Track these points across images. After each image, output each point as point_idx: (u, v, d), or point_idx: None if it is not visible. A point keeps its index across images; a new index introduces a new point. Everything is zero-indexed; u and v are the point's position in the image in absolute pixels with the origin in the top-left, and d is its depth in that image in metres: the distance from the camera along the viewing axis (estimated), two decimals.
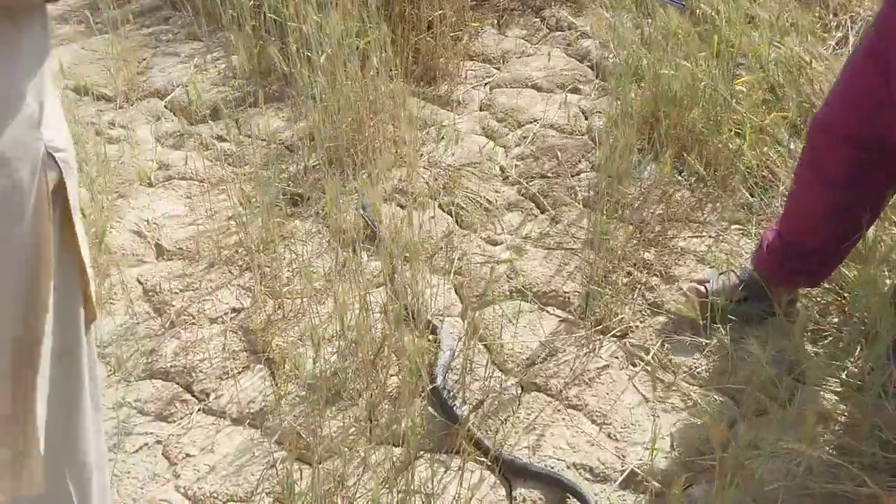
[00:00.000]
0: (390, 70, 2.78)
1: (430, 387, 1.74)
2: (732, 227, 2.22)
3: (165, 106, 2.86)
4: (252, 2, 2.84)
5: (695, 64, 2.41)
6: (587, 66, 3.01)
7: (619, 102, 2.49)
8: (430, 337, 1.91)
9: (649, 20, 2.78)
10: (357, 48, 2.53)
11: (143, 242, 2.25)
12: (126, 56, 3.17)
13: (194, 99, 2.70)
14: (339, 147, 2.48)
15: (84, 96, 2.91)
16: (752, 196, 2.27)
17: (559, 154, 2.55)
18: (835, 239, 1.76)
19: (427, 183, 2.45)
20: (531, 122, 2.74)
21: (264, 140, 2.66)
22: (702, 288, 1.91)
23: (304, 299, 2.02)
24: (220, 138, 2.68)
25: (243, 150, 2.62)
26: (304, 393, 1.78)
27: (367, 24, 2.68)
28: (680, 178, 2.40)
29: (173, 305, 2.03)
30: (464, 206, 2.36)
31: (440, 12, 2.97)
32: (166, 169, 2.51)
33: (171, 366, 1.86)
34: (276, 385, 1.81)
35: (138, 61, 3.16)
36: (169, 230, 2.28)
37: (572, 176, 2.46)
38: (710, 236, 2.19)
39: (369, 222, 2.20)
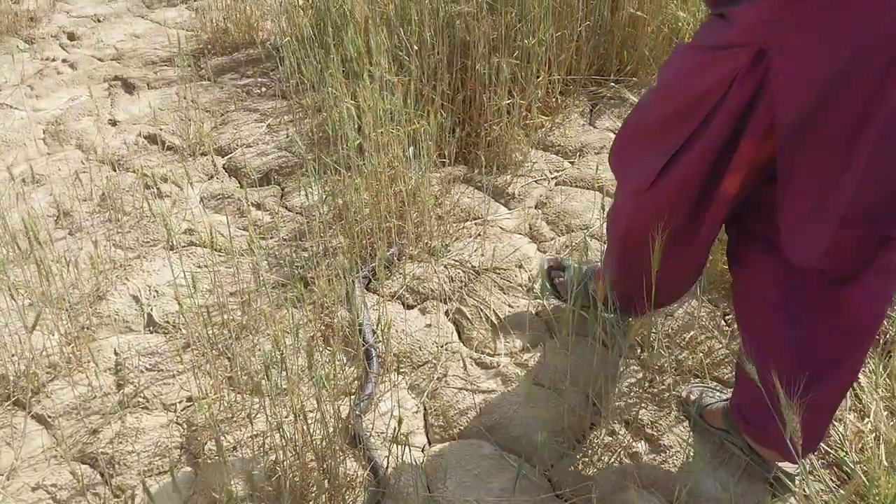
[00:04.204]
0: (442, 157, 2.66)
1: None
2: None
3: (223, 166, 2.87)
4: (343, 69, 2.80)
5: None
6: None
7: None
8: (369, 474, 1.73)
9: None
10: (408, 133, 2.42)
11: (138, 310, 2.22)
12: (211, 107, 3.23)
13: (247, 163, 2.69)
14: (363, 231, 2.37)
15: (153, 145, 2.98)
16: None
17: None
18: None
19: (442, 284, 2.28)
20: (582, 229, 2.50)
21: (300, 212, 2.60)
22: None
23: (261, 399, 1.90)
24: (259, 206, 2.65)
25: (276, 221, 2.56)
26: None
27: (426, 108, 2.58)
28: (724, 321, 2.08)
29: (134, 384, 1.97)
30: (470, 317, 2.17)
31: (509, 101, 2.80)
32: (191, 234, 2.50)
33: (102, 452, 1.80)
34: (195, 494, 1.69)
35: (221, 113, 3.21)
36: (165, 300, 2.25)
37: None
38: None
39: (364, 341, 2.04)
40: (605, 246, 1.92)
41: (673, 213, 1.53)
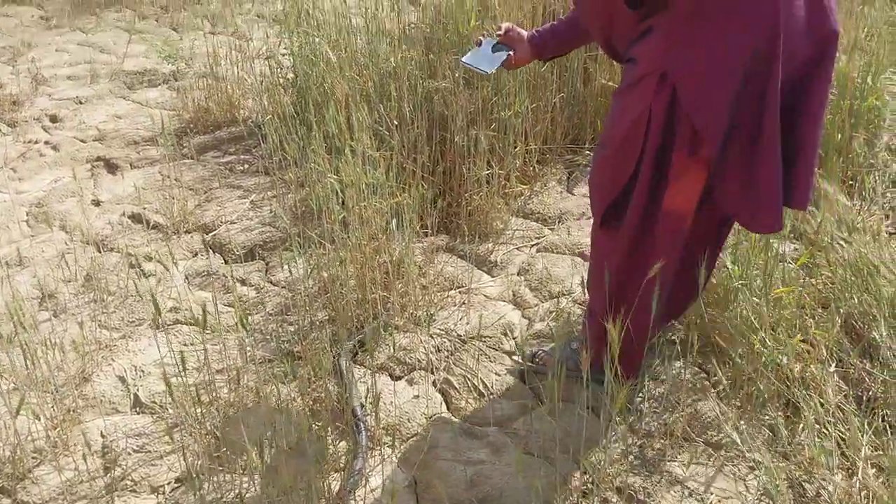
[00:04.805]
0: (425, 227, 2.70)
1: None
2: (749, 457, 1.90)
3: (207, 242, 2.89)
4: (325, 145, 2.84)
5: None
6: None
7: None
8: None
9: None
10: (391, 206, 2.47)
11: (124, 391, 2.21)
12: (194, 185, 3.27)
13: (231, 240, 2.71)
14: (348, 304, 2.39)
15: (137, 224, 3.00)
16: (785, 416, 1.95)
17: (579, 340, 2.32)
18: None
19: (428, 354, 2.29)
20: (565, 295, 2.54)
21: (285, 286, 2.62)
22: None
23: (251, 478, 1.89)
24: (244, 282, 2.66)
25: (261, 297, 2.58)
26: None
27: (407, 180, 2.63)
28: (708, 382, 2.11)
29: (122, 466, 1.96)
30: (458, 386, 2.18)
31: (488, 171, 2.87)
32: (176, 312, 2.50)
33: None
34: None
35: (204, 191, 3.24)
36: (152, 380, 2.24)
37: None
38: (713, 466, 1.88)
39: (354, 425, 2.03)
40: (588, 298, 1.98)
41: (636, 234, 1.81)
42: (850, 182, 2.75)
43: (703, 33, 1.57)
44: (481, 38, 2.05)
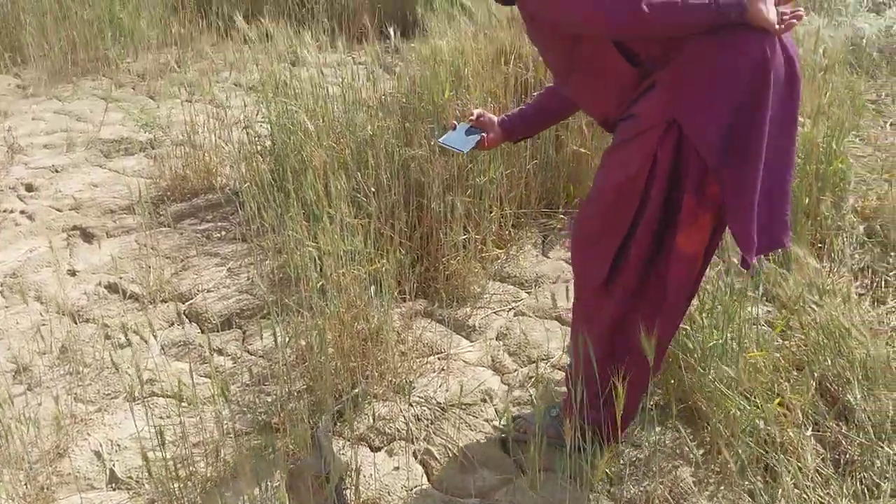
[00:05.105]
0: (403, 293, 2.72)
1: None
2: None
3: (184, 312, 2.88)
4: (303, 212, 2.84)
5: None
6: None
7: None
8: None
9: None
10: (369, 273, 2.48)
11: (100, 466, 2.17)
12: (171, 253, 3.27)
13: (208, 309, 2.70)
14: (327, 373, 2.38)
15: (113, 294, 2.98)
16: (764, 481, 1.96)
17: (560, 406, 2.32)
18: None
19: (408, 424, 2.28)
20: (543, 359, 2.55)
21: (262, 356, 2.61)
22: None
23: None
24: (221, 352, 2.65)
25: (238, 367, 2.56)
26: None
27: (385, 246, 2.65)
28: (689, 446, 2.11)
29: None
30: (438, 457, 2.17)
31: (465, 236, 2.90)
32: (153, 384, 2.48)
33: None
34: None
35: (181, 259, 3.24)
36: (129, 454, 2.21)
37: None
38: None
39: (335, 501, 2.01)
40: (572, 360, 1.99)
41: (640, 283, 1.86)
42: (820, 245, 2.81)
43: (705, 76, 1.67)
44: (455, 122, 2.18)
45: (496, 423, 2.28)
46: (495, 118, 2.17)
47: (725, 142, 1.65)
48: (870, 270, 2.75)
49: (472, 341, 2.69)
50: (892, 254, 2.78)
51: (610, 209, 1.83)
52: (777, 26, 1.61)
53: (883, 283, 2.69)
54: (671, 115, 1.70)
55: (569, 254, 3.16)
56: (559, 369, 2.48)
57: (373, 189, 2.80)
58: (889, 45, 4.63)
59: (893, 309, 2.55)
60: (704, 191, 1.72)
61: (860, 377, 2.08)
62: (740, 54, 1.63)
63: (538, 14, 1.81)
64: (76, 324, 2.82)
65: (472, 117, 2.15)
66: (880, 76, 4.43)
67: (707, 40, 1.64)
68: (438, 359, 2.57)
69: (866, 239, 2.86)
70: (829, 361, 2.17)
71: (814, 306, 2.28)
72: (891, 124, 3.87)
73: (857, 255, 2.80)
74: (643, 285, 1.86)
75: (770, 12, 1.60)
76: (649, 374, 1.80)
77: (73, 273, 3.16)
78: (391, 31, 3.78)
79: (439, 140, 2.13)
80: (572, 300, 2.02)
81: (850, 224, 2.90)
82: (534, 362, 2.55)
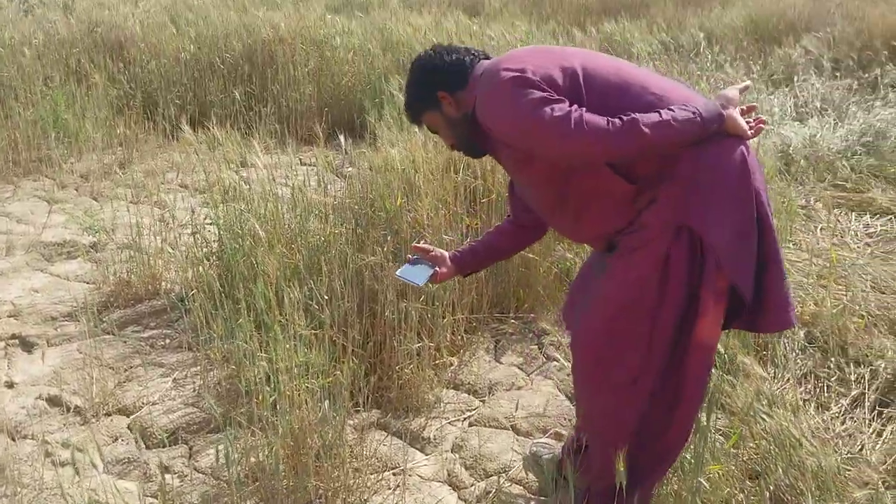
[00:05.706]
0: (356, 404, 2.68)
1: None
2: None
3: (128, 426, 2.79)
4: (251, 319, 2.79)
5: None
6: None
7: None
8: None
9: None
10: (323, 386, 2.45)
11: None
12: (115, 363, 3.18)
13: (153, 422, 2.62)
14: (278, 493, 2.31)
15: (54, 407, 2.87)
16: None
17: None
18: None
19: None
20: (501, 472, 2.52)
21: (210, 474, 2.52)
22: None
23: None
24: (168, 469, 2.56)
25: (185, 485, 2.47)
26: None
27: (338, 356, 2.63)
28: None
29: None
30: None
31: (419, 344, 2.90)
32: None
33: None
34: None
35: (125, 369, 3.15)
36: None
37: None
38: None
39: None
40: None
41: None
42: (763, 352, 2.89)
43: (706, 181, 1.84)
44: (409, 256, 2.30)
45: None
46: (447, 254, 2.30)
47: (733, 233, 1.81)
48: (812, 376, 2.83)
49: (426, 454, 2.65)
50: (832, 359, 2.87)
51: (622, 312, 1.93)
52: (749, 132, 1.88)
53: (825, 388, 2.77)
54: (680, 221, 1.84)
55: (520, 360, 3.18)
56: (517, 483, 2.46)
57: (326, 296, 2.79)
58: (814, 152, 4.89)
59: (837, 415, 2.61)
60: (717, 284, 1.84)
61: (813, 488, 2.11)
62: (727, 157, 1.84)
63: (534, 151, 1.88)
64: (14, 441, 2.70)
65: (425, 253, 2.28)
66: (808, 182, 4.66)
67: (699, 150, 1.83)
68: (393, 474, 2.52)
69: (807, 345, 2.95)
70: (782, 472, 2.20)
71: (764, 416, 2.32)
72: (821, 229, 4.06)
73: (799, 361, 2.88)
74: (665, 381, 1.95)
75: (740, 121, 1.87)
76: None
77: (10, 385, 3.04)
78: (341, 138, 3.85)
79: (396, 273, 2.26)
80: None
81: (792, 330, 2.99)
82: (490, 475, 2.52)
